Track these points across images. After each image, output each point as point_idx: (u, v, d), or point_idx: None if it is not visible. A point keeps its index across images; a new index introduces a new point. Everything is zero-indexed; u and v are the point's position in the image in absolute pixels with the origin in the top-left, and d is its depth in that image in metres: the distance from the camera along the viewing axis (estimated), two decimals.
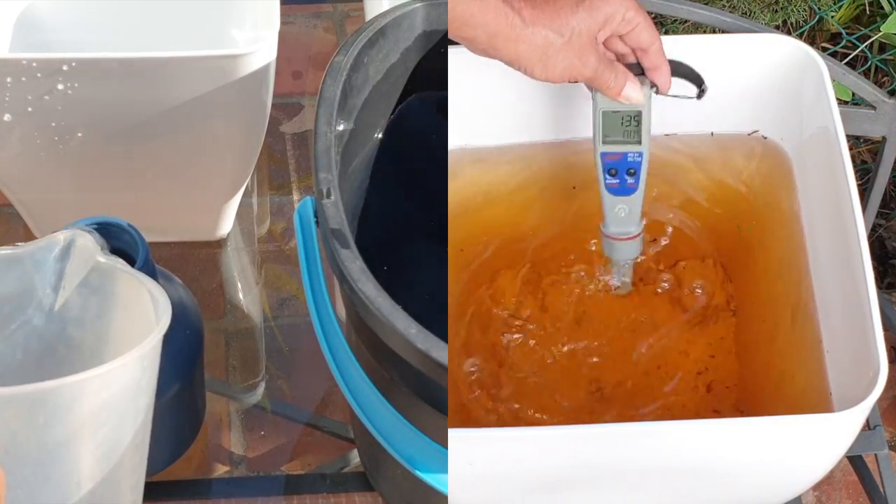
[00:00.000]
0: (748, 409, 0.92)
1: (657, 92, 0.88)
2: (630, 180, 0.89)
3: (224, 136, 1.06)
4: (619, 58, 0.87)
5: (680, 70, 0.89)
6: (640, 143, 0.88)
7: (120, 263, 0.84)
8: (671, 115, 0.95)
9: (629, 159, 0.89)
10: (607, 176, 0.89)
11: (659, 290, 0.98)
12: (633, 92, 0.86)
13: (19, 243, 0.85)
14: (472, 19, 0.79)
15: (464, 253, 0.98)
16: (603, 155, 0.89)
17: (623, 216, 0.90)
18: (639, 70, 0.87)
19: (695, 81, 0.89)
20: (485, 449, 0.79)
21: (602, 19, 0.82)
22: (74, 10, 1.16)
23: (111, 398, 0.75)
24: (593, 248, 0.98)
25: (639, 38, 0.85)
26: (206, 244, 1.20)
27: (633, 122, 0.88)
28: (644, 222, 0.92)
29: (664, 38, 0.96)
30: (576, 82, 0.85)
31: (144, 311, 0.82)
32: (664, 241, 0.99)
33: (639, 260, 0.96)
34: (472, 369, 0.95)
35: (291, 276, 1.19)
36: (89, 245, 0.84)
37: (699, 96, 0.90)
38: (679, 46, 0.96)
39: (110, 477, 0.78)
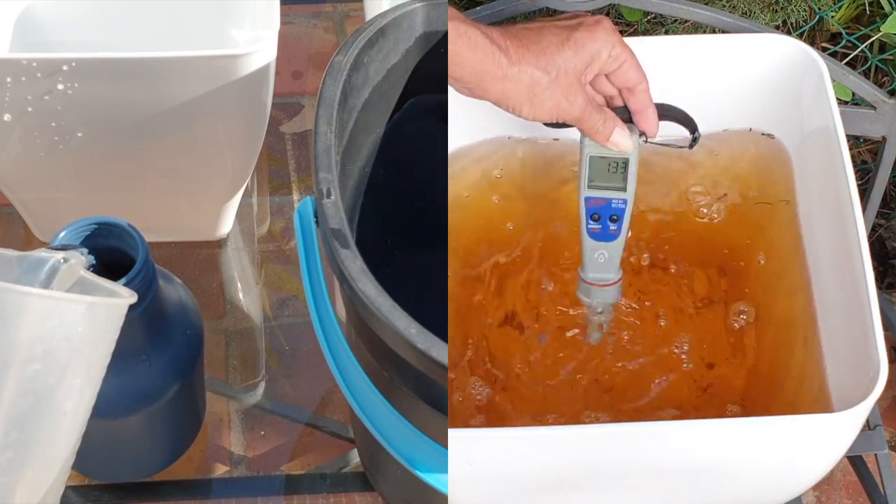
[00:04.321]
0: (748, 408, 0.92)
1: (646, 141, 0.87)
2: (612, 227, 0.89)
3: (224, 136, 1.06)
4: (608, 101, 0.87)
5: (672, 114, 0.88)
6: (625, 190, 0.88)
7: (97, 279, 0.84)
8: None
9: (613, 206, 0.88)
10: (590, 221, 0.89)
11: (656, 291, 0.98)
12: (621, 138, 0.86)
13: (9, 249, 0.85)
14: (460, 58, 0.79)
15: (463, 252, 0.98)
16: (587, 199, 0.88)
17: (602, 262, 0.90)
18: (626, 116, 0.86)
19: (688, 126, 0.89)
20: (485, 449, 0.79)
21: (588, 57, 0.82)
22: (74, 10, 1.16)
23: (50, 334, 0.76)
24: None
25: (626, 76, 0.84)
26: (206, 244, 1.20)
27: (619, 169, 0.87)
28: (622, 272, 0.91)
29: (664, 38, 0.97)
30: (564, 124, 0.84)
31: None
32: (662, 241, 0.99)
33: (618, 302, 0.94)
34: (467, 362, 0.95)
35: (291, 276, 1.20)
36: (78, 265, 0.84)
37: (692, 145, 0.89)
38: (679, 46, 0.96)
39: (30, 425, 0.78)
